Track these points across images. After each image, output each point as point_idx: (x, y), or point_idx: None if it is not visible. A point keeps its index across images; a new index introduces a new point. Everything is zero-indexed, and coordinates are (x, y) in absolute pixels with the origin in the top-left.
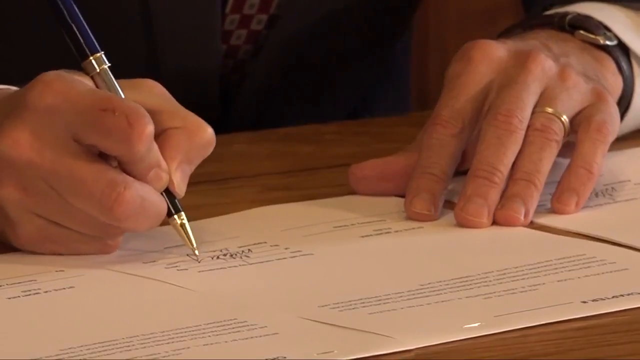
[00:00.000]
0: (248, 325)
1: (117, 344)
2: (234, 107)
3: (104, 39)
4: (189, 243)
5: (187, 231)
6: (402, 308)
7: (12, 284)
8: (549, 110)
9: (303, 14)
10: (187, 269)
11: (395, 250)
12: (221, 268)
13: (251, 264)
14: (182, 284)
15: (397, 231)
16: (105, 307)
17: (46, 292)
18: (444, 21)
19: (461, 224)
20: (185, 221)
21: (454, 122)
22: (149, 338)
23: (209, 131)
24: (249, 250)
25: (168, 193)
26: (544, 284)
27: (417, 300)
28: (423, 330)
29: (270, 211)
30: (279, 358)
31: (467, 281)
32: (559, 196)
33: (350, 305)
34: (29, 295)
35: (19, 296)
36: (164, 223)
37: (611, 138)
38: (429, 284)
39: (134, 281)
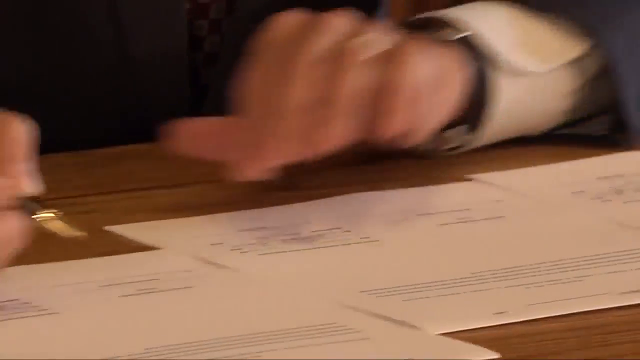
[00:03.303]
0: (344, 330)
1: (204, 344)
2: (204, 104)
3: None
4: (62, 233)
5: (54, 225)
6: (436, 296)
7: (130, 282)
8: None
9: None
10: (247, 252)
11: (465, 238)
12: (282, 252)
13: (315, 248)
14: (238, 266)
15: (476, 220)
16: (213, 307)
17: (162, 290)
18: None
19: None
20: (47, 216)
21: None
22: (240, 340)
23: (17, 121)
24: (320, 235)
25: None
26: (591, 275)
27: (457, 288)
28: (448, 318)
29: (366, 198)
30: None
31: (515, 271)
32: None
33: (390, 292)
34: (142, 294)
35: (131, 294)
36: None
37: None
38: (479, 272)
39: (251, 283)
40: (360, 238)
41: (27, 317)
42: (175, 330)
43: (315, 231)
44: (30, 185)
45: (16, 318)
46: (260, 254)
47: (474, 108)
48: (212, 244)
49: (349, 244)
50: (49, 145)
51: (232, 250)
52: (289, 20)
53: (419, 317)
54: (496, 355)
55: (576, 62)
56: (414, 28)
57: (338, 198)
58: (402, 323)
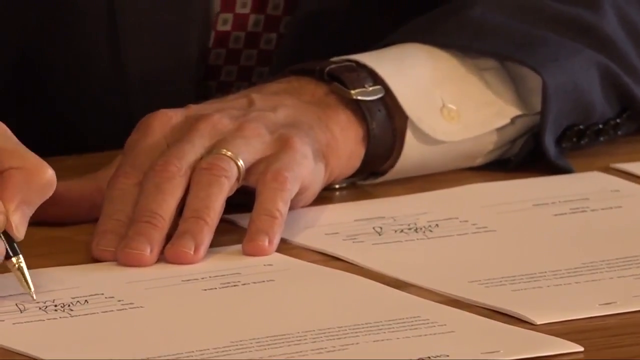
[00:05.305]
0: (427, 323)
1: (289, 337)
2: None
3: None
4: (26, 287)
5: (24, 275)
6: (548, 286)
7: (214, 277)
8: (221, 151)
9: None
10: (362, 242)
11: (580, 228)
12: (397, 241)
13: (430, 238)
14: (351, 256)
15: (593, 210)
16: (296, 300)
17: (244, 284)
18: None
19: (124, 260)
20: (23, 264)
21: (135, 173)
22: (323, 333)
23: (49, 172)
24: (436, 225)
25: (6, 235)
26: None
27: (569, 278)
28: (553, 308)
29: (483, 188)
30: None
31: (629, 261)
32: (249, 237)
33: (500, 282)
34: (226, 287)
35: (215, 288)
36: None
37: (292, 184)
38: (591, 262)
39: (333, 276)
40: (477, 228)
41: (112, 310)
42: (260, 324)
43: (432, 221)
44: (17, 227)
45: (101, 312)
46: (375, 244)
47: (379, 157)
48: (326, 234)
49: (466, 233)
50: (56, 148)
51: (344, 240)
52: (167, 125)
53: (524, 307)
54: (580, 349)
55: (499, 128)
56: (331, 74)
57: (456, 189)
58: (491, 315)
